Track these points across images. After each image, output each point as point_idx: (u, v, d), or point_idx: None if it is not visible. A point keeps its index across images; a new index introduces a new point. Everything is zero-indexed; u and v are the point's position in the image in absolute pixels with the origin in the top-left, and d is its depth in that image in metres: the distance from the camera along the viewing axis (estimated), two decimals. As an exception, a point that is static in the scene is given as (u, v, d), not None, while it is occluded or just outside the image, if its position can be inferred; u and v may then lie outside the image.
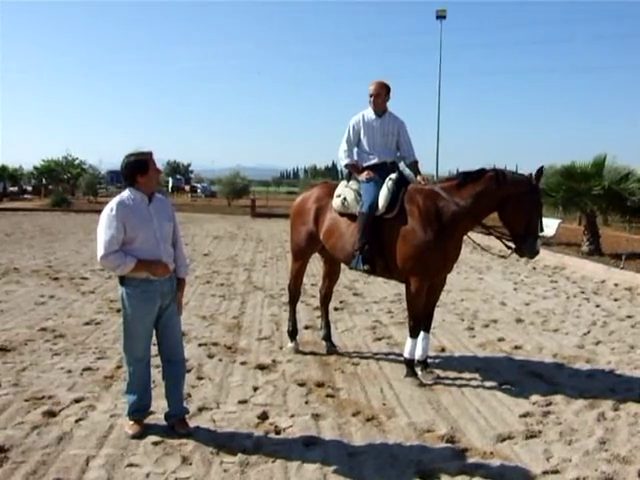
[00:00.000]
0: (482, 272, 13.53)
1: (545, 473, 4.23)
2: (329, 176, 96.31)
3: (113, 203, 4.47)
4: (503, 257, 6.56)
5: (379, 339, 7.54)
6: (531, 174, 5.69)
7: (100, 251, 4.38)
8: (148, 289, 4.50)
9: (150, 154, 4.62)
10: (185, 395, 5.35)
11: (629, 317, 9.18)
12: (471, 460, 4.39)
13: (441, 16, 43.35)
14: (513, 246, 5.78)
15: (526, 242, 5.63)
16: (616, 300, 10.60)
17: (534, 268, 14.39)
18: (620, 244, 17.63)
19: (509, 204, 5.63)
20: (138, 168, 4.50)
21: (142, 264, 4.42)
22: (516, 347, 7.36)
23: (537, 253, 5.77)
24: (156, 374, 5.13)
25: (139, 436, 4.56)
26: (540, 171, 5.69)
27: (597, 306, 10.00)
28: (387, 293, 10.57)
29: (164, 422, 4.77)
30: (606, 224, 21.75)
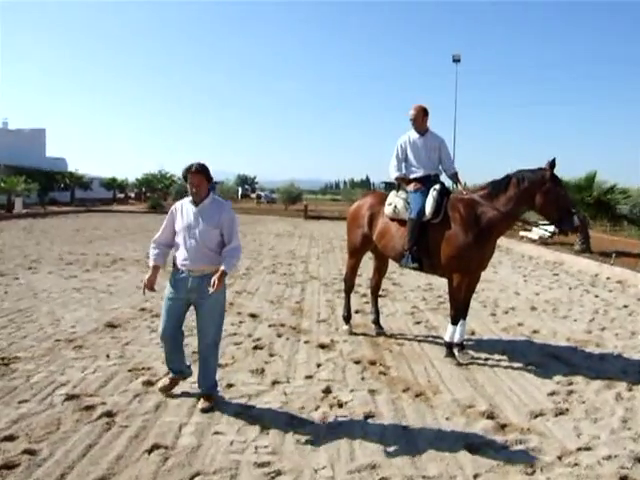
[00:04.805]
0: (495, 266, 12.81)
1: (579, 449, 3.73)
2: (364, 188, 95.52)
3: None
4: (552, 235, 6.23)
5: (418, 323, 7.03)
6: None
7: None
8: (176, 278, 4.25)
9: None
10: (259, 369, 4.98)
11: (625, 306, 8.49)
12: (510, 436, 3.90)
13: (457, 60, 42.38)
14: (549, 231, 5.34)
15: (562, 223, 5.21)
16: (610, 291, 9.87)
17: (537, 263, 13.67)
18: (603, 244, 16.93)
19: (537, 200, 5.24)
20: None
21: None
22: (534, 331, 6.78)
23: (576, 227, 5.31)
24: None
25: (164, 390, 4.39)
26: (553, 162, 5.23)
27: (596, 296, 9.31)
28: (420, 283, 10.00)
29: (243, 397, 4.40)
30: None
